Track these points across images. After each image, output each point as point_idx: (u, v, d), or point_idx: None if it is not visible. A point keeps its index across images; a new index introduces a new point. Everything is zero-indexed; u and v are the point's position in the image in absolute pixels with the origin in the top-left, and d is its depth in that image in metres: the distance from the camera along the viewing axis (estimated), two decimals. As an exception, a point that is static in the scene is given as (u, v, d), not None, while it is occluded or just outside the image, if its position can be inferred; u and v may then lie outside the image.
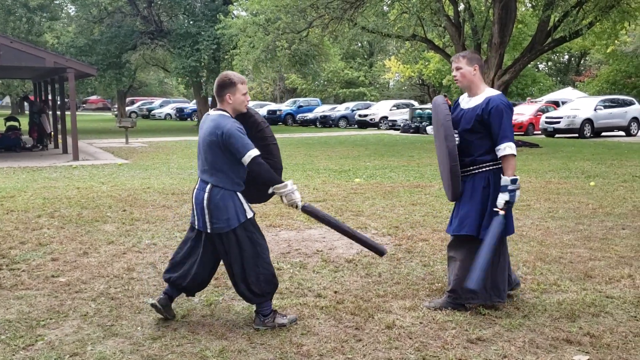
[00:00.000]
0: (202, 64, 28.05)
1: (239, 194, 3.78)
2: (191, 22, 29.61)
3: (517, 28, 24.19)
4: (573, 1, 17.60)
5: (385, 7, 21.21)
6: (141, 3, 30.49)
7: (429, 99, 44.57)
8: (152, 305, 3.92)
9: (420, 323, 3.89)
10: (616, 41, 23.23)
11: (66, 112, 19.19)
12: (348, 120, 33.00)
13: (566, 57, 50.91)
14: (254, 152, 3.62)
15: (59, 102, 19.60)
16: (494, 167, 4.00)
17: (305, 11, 19.55)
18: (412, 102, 35.76)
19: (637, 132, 23.55)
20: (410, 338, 3.66)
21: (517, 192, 3.93)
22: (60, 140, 18.00)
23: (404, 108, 31.63)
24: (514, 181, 3.87)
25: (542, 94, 36.55)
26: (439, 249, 5.77)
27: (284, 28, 20.37)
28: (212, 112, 3.80)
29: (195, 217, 3.84)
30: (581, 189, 9.52)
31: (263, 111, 37.60)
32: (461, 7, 19.80)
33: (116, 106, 45.89)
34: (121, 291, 4.59)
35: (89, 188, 9.84)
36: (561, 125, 22.47)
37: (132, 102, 51.03)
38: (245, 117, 3.86)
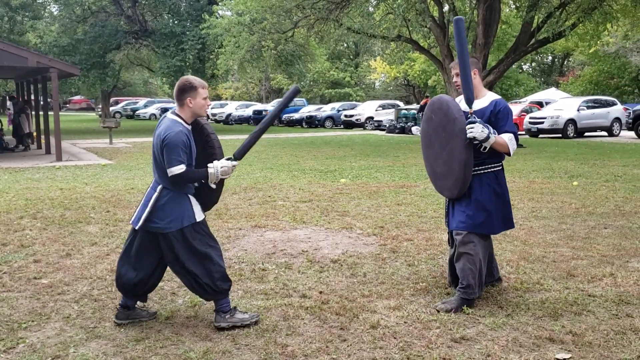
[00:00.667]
0: (187, 63, 27.95)
1: (190, 197, 3.78)
2: (176, 22, 29.50)
3: (501, 29, 24.41)
4: (556, 2, 17.79)
5: (370, 8, 21.28)
6: (125, 2, 30.31)
7: (415, 100, 44.78)
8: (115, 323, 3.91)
9: (405, 323, 3.91)
10: (598, 42, 23.49)
11: (49, 112, 19.00)
12: (334, 121, 33.04)
13: (550, 58, 51.40)
14: (177, 169, 3.59)
15: (42, 102, 19.39)
16: (498, 167, 4.25)
17: (291, 11, 19.56)
18: (398, 102, 35.91)
19: (620, 132, 23.83)
20: (394, 338, 3.67)
21: (473, 130, 3.96)
22: (43, 141, 17.81)
23: (389, 108, 31.75)
24: (473, 122, 3.97)
25: (526, 94, 36.87)
26: (423, 249, 5.79)
27: (270, 28, 20.36)
28: (168, 115, 3.78)
29: (136, 212, 3.82)
30: (564, 188, 9.61)
31: (249, 111, 37.50)
32: (446, 8, 19.92)
33: (100, 106, 45.51)
34: (104, 293, 4.55)
35: (72, 189, 9.75)
36: (545, 126, 22.67)
37: (116, 102, 50.62)
38: (202, 135, 3.84)
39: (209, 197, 3.90)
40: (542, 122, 22.80)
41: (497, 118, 4.14)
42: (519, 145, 18.25)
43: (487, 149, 4.06)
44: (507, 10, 24.72)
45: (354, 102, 38.52)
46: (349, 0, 18.85)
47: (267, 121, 3.94)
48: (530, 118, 23.68)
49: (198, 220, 3.77)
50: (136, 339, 3.67)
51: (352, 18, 20.32)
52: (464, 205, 4.21)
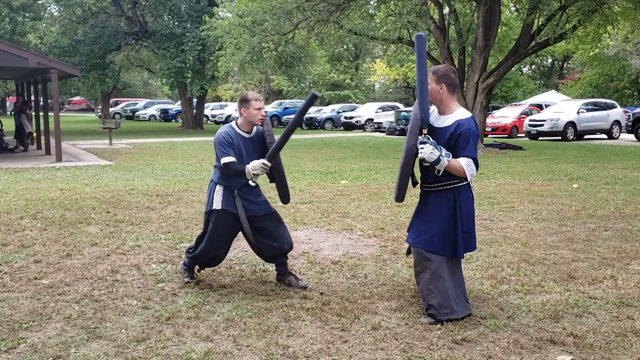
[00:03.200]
0: (187, 65, 27.94)
1: (219, 187, 4.52)
2: (176, 23, 29.46)
3: (501, 31, 24.39)
4: (557, 5, 17.79)
5: (371, 10, 21.27)
6: (125, 4, 30.28)
7: (414, 102, 44.82)
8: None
9: (406, 324, 3.91)
10: (599, 45, 23.50)
11: (49, 113, 18.98)
12: (334, 122, 33.09)
13: (549, 60, 51.44)
14: (227, 159, 4.39)
15: (42, 103, 19.38)
16: (459, 184, 3.93)
17: (292, 13, 19.54)
18: (398, 104, 35.94)
19: (619, 135, 23.85)
20: (396, 339, 3.67)
21: (424, 151, 3.77)
22: (43, 141, 17.80)
23: (389, 110, 31.80)
24: (424, 142, 3.79)
25: (526, 97, 36.89)
26: (424, 251, 5.79)
27: (270, 30, 20.35)
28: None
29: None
30: (564, 191, 9.62)
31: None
32: (446, 10, 19.92)
33: (100, 107, 45.51)
34: (105, 293, 4.55)
35: (72, 189, 9.74)
36: (544, 128, 22.70)
37: (116, 103, 50.62)
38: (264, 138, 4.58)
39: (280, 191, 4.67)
40: (542, 125, 22.83)
41: (457, 141, 3.83)
42: (518, 148, 18.29)
43: (441, 171, 3.84)
44: (508, 12, 24.71)
45: (353, 104, 38.56)
46: (349, 2, 18.85)
47: (290, 127, 4.41)
48: (530, 120, 23.71)
49: (214, 208, 4.50)
50: (137, 339, 3.67)
51: (353, 20, 20.31)
52: (418, 220, 4.07)
